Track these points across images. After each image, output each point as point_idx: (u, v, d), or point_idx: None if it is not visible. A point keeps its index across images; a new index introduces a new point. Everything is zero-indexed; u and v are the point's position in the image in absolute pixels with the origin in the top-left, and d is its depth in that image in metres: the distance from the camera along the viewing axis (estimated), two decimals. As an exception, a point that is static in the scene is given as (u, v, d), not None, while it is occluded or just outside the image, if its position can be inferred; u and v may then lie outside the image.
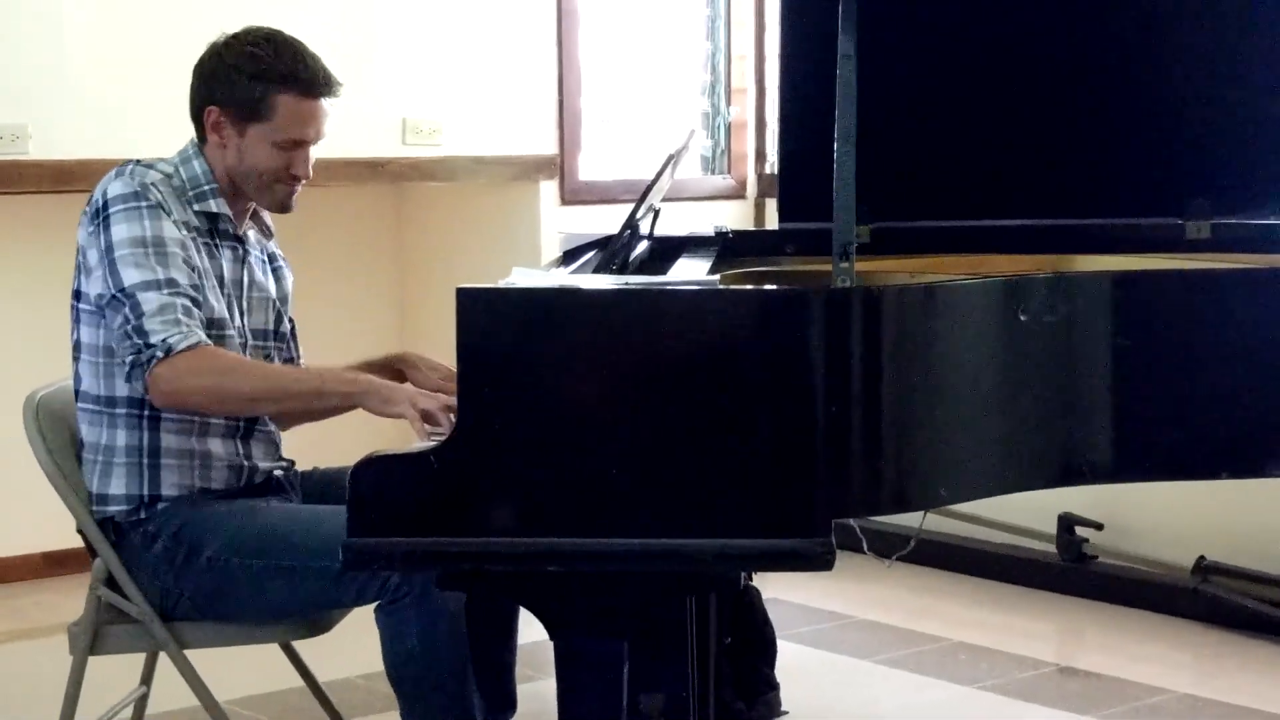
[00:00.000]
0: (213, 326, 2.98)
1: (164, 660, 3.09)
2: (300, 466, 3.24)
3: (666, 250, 3.51)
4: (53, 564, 5.22)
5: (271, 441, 3.16)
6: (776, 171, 3.48)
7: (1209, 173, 3.44)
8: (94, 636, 3.01)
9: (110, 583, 3.00)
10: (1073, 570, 4.96)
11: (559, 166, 5.67)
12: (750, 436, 2.47)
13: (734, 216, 5.98)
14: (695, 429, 2.47)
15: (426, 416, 2.79)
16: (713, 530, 2.46)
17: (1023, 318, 2.71)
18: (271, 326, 3.17)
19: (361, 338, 5.50)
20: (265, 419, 3.12)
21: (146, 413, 2.99)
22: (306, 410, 3.09)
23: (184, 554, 2.96)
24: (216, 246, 3.07)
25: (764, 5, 6.08)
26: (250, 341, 3.10)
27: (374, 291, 6.12)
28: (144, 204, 2.94)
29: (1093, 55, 3.37)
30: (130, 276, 2.89)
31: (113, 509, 3.00)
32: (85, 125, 4.76)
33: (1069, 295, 2.78)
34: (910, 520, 4.19)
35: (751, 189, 6.15)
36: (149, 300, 2.88)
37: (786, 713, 3.91)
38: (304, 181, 3.09)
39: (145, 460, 3.00)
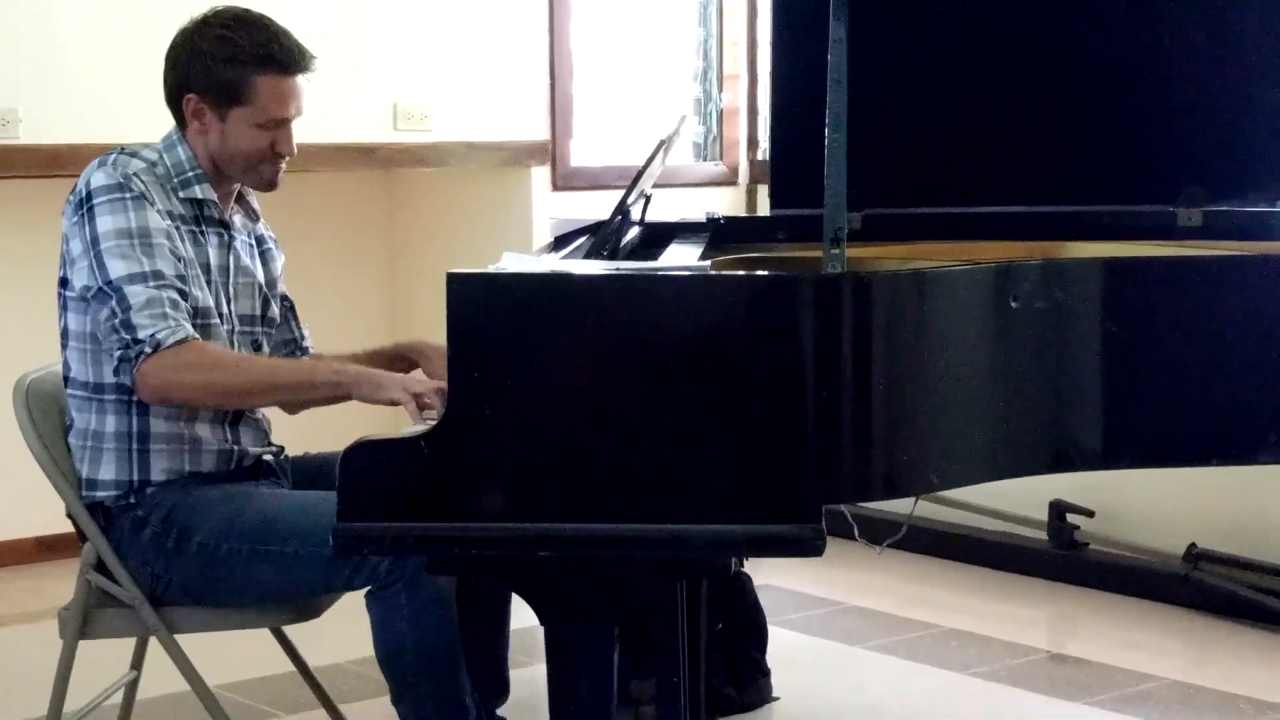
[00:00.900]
0: (198, 316, 2.98)
1: (154, 645, 3.09)
2: (291, 451, 3.24)
3: (658, 236, 3.51)
4: (43, 549, 5.22)
5: (260, 428, 3.15)
6: (768, 158, 3.47)
7: (1201, 160, 3.44)
8: (84, 621, 3.01)
9: (100, 567, 3.00)
10: (1064, 557, 4.96)
11: (550, 152, 5.66)
12: (741, 422, 2.47)
13: (726, 203, 5.98)
14: (686, 414, 2.47)
15: (419, 400, 2.80)
16: (704, 516, 2.46)
17: (1014, 304, 2.71)
18: (259, 311, 3.16)
19: (352, 323, 5.50)
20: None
21: (135, 398, 2.98)
22: (298, 401, 3.09)
23: (174, 539, 2.95)
24: (203, 233, 3.06)
25: (756, -9, 6.08)
26: (237, 328, 3.10)
27: (365, 277, 6.12)
28: (128, 195, 2.93)
29: (1085, 42, 3.37)
30: (117, 269, 2.88)
31: (102, 494, 3.00)
32: (76, 110, 4.75)
33: (1060, 282, 2.78)
34: (901, 507, 4.19)
35: (743, 175, 6.15)
36: (135, 294, 2.87)
37: (777, 698, 3.92)
38: (289, 158, 3.08)
39: (134, 446, 3.00)
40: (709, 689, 3.62)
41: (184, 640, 3.03)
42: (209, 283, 3.04)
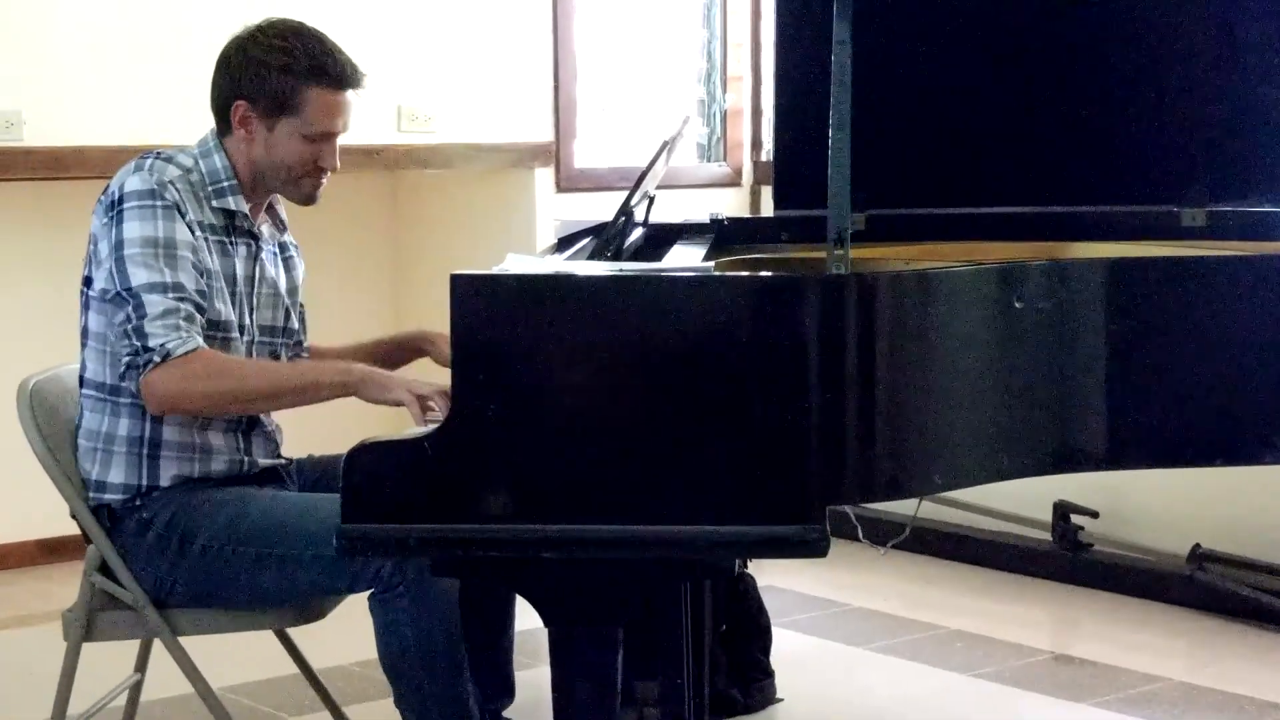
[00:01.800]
0: (219, 329, 2.98)
1: (158, 647, 3.09)
2: (296, 453, 3.24)
3: (661, 237, 3.51)
4: (47, 551, 5.22)
5: (273, 439, 3.16)
6: (772, 159, 3.47)
7: (1205, 160, 3.43)
8: (88, 623, 3.00)
9: (104, 569, 2.99)
10: (1068, 558, 4.96)
11: (554, 154, 5.66)
12: (745, 423, 2.47)
13: (729, 204, 5.98)
14: (690, 415, 2.47)
15: (422, 402, 2.80)
16: (707, 517, 2.46)
17: (1018, 305, 2.71)
18: (280, 323, 3.16)
19: (356, 324, 5.48)
20: (267, 417, 3.12)
21: None
22: (302, 403, 3.07)
23: (178, 541, 2.95)
24: (232, 244, 3.06)
25: (760, -7, 6.08)
26: (257, 338, 3.10)
27: (369, 278, 6.12)
28: (159, 203, 2.93)
29: (1089, 42, 3.36)
30: (138, 276, 2.88)
31: (109, 496, 3.00)
32: (79, 112, 4.75)
33: (1064, 282, 2.78)
34: (905, 508, 4.19)
35: (747, 176, 6.15)
36: (153, 303, 2.87)
37: (781, 700, 3.92)
38: (330, 173, 3.08)
39: (145, 451, 2.99)
40: (713, 690, 3.62)
41: (188, 642, 3.03)
42: (234, 294, 3.04)
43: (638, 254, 3.36)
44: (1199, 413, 2.90)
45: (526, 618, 2.83)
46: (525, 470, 2.47)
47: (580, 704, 2.58)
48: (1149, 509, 4.85)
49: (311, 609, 3.05)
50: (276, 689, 3.99)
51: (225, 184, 3.04)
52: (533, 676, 3.51)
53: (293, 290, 3.22)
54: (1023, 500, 4.95)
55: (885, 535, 4.66)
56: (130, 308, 2.88)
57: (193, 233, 2.96)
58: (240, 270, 3.07)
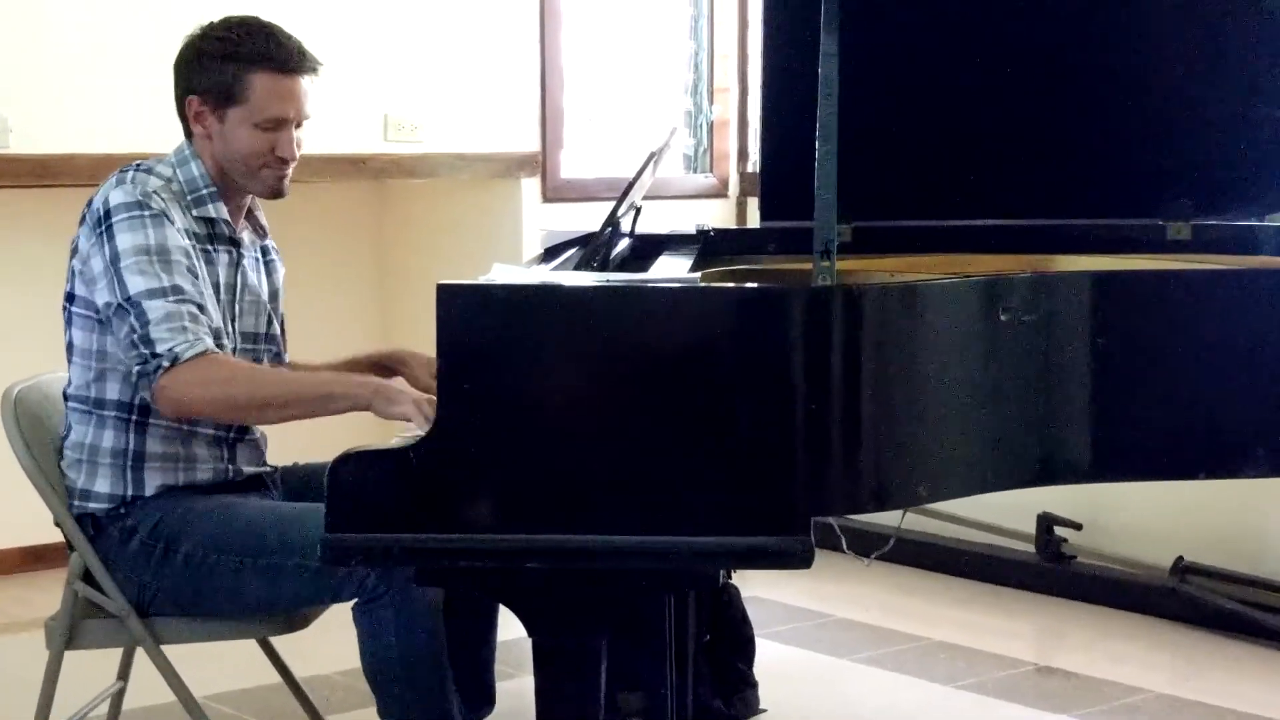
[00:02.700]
0: (212, 335, 2.97)
1: (141, 655, 3.09)
2: (281, 462, 3.24)
3: (648, 248, 3.51)
4: (31, 559, 5.21)
5: (258, 448, 3.15)
6: (758, 170, 3.48)
7: (1190, 174, 3.44)
8: (71, 631, 3.00)
9: (87, 578, 2.99)
10: (1051, 570, 4.96)
11: (541, 164, 5.67)
12: (730, 434, 2.47)
13: (716, 215, 5.98)
14: (675, 426, 2.47)
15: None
16: (692, 528, 2.46)
17: (1003, 317, 2.72)
18: (262, 330, 3.16)
19: (343, 334, 5.49)
20: (254, 428, 3.11)
21: (134, 417, 2.98)
22: (313, 414, 3.04)
23: (161, 550, 2.95)
24: (214, 251, 3.05)
25: (747, 4, 6.09)
26: (240, 345, 3.09)
27: (355, 288, 6.11)
28: (147, 213, 2.92)
29: (1075, 56, 3.37)
30: (136, 285, 2.87)
31: (94, 506, 2.99)
32: (67, 119, 4.75)
33: (1049, 295, 2.79)
34: (889, 519, 4.18)
35: (734, 188, 6.16)
36: (155, 308, 2.86)
37: (764, 710, 3.92)
38: (293, 164, 3.07)
39: (130, 463, 2.99)
40: (696, 701, 3.62)
41: (171, 651, 3.02)
42: (218, 302, 3.04)
43: (624, 265, 3.37)
44: (1183, 425, 2.91)
45: (509, 627, 2.83)
46: (510, 480, 2.47)
47: (563, 714, 2.58)
48: (1132, 521, 4.86)
49: (295, 618, 3.04)
50: (259, 698, 3.99)
51: (204, 191, 3.04)
52: (515, 686, 3.51)
53: (274, 295, 3.21)
54: (1006, 512, 4.96)
55: (870, 547, 4.65)
56: (133, 317, 2.86)
57: (183, 239, 2.95)
58: (223, 278, 3.06)
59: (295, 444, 3.42)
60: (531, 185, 5.67)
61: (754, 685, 3.92)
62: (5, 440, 3.04)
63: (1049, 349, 2.78)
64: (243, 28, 3.03)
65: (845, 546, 4.73)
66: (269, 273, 3.21)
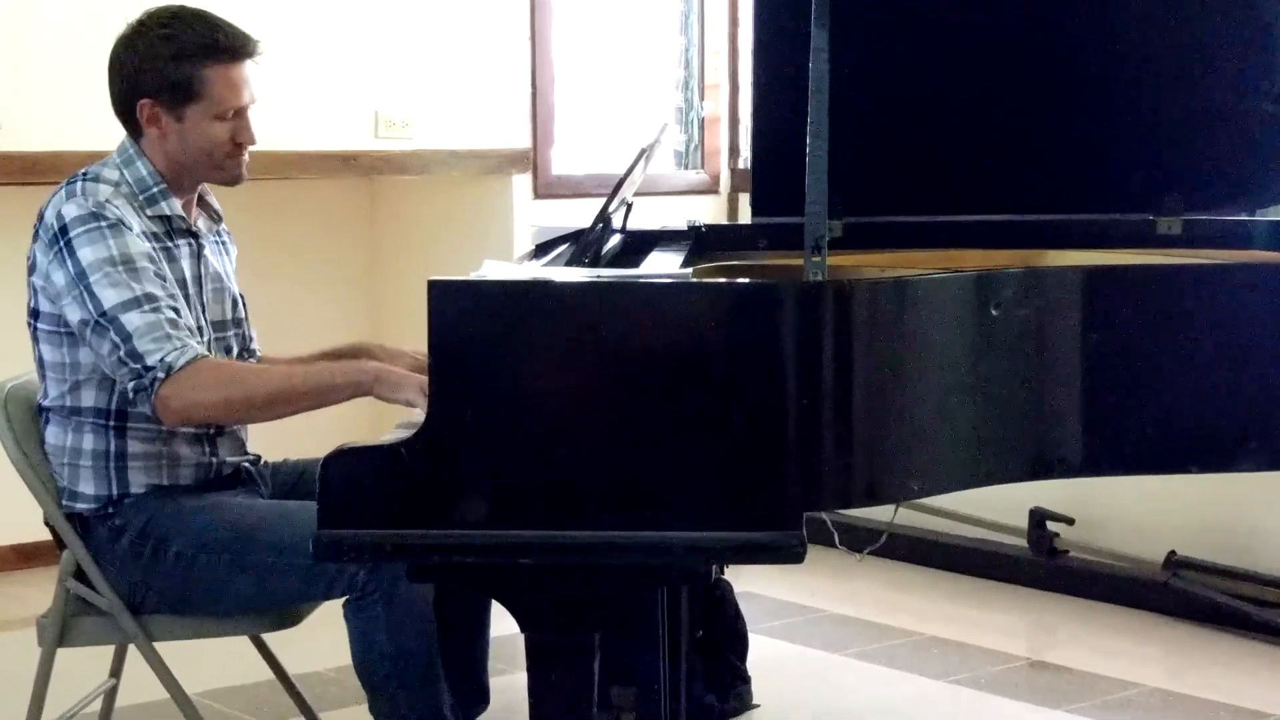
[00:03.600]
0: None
1: (133, 652, 3.08)
2: (271, 458, 3.23)
3: (639, 244, 3.51)
4: (22, 557, 5.20)
5: (238, 438, 3.14)
6: (749, 166, 3.48)
7: (1180, 169, 3.45)
8: (63, 629, 2.99)
9: (79, 575, 2.99)
10: (1044, 565, 4.97)
11: (532, 160, 5.66)
12: (722, 429, 2.47)
13: (707, 211, 5.98)
14: (667, 421, 2.47)
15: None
16: (684, 523, 2.46)
17: (994, 312, 2.72)
18: (229, 316, 3.14)
19: (333, 330, 5.48)
20: None
21: (113, 423, 2.97)
22: (318, 406, 2.95)
23: (151, 549, 2.94)
24: (175, 247, 3.03)
25: (737, 0, 6.08)
26: (212, 335, 3.08)
27: (346, 284, 6.11)
28: (104, 223, 2.89)
29: (1066, 51, 3.37)
30: (109, 298, 2.85)
31: (81, 506, 2.99)
32: (55, 118, 4.74)
33: (1040, 290, 2.79)
34: (882, 514, 4.20)
35: (725, 184, 6.16)
36: (132, 320, 2.84)
37: (758, 705, 3.92)
38: (250, 148, 3.05)
39: (112, 464, 2.98)
40: (689, 696, 3.61)
41: (163, 648, 3.02)
42: (185, 297, 3.02)
43: (615, 260, 3.37)
44: (1174, 420, 2.91)
45: (502, 623, 2.82)
46: (502, 476, 2.47)
47: (557, 710, 2.58)
48: (1125, 516, 4.86)
49: (287, 615, 3.04)
50: (252, 695, 3.98)
51: (155, 189, 3.01)
52: (508, 682, 3.51)
53: (231, 275, 3.19)
54: (999, 507, 4.96)
55: (862, 541, 4.67)
56: (113, 333, 2.84)
57: (144, 243, 2.93)
58: (188, 271, 3.04)
59: (286, 440, 3.41)
60: (523, 182, 5.67)
61: (747, 680, 3.93)
62: (-4, 438, 3.03)
63: (1040, 344, 2.78)
64: (179, 21, 2.98)
65: (838, 541, 4.74)
66: (226, 254, 3.19)
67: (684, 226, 3.69)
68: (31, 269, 2.97)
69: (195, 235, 3.08)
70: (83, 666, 3.29)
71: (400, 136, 5.39)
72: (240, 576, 2.91)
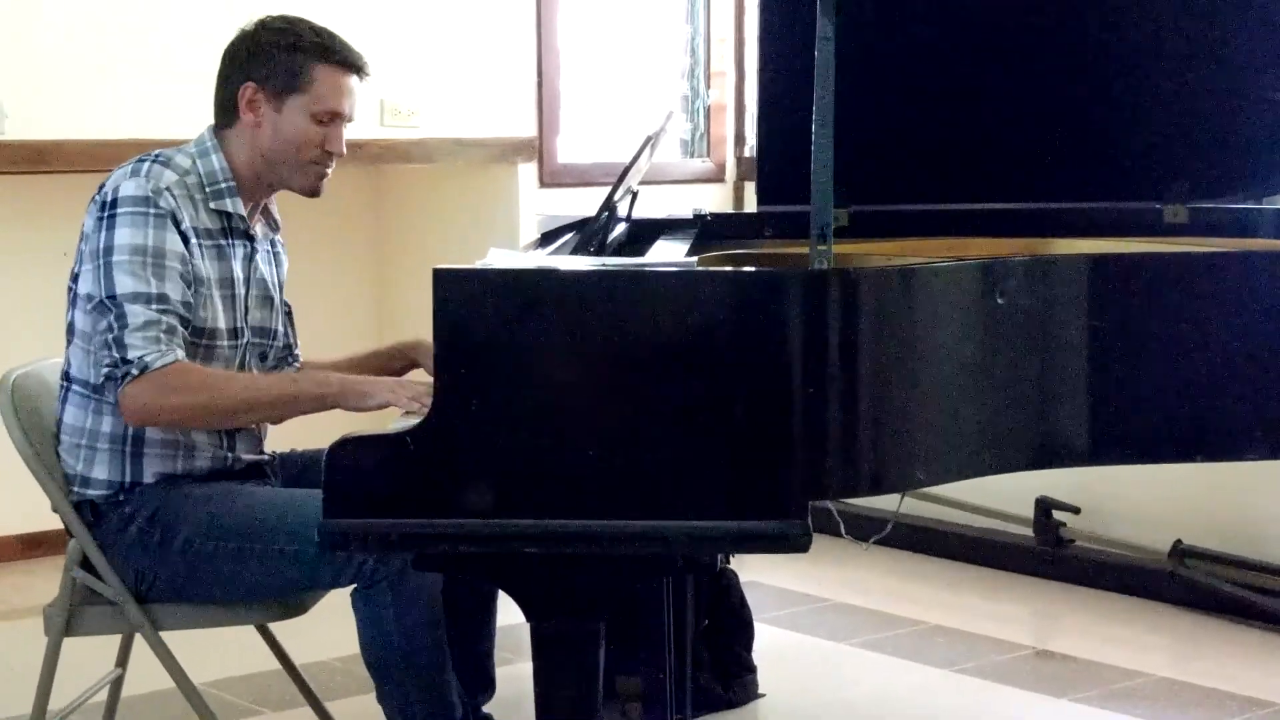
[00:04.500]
0: (206, 336, 2.97)
1: (140, 642, 3.09)
2: (278, 448, 3.23)
3: (645, 232, 3.51)
4: (29, 546, 5.20)
5: (254, 435, 3.15)
6: (755, 154, 3.47)
7: (1186, 157, 3.44)
8: (69, 618, 2.99)
9: (86, 564, 2.99)
10: (1050, 554, 4.97)
11: (537, 149, 5.66)
12: (728, 418, 2.47)
13: (713, 199, 5.98)
14: (672, 410, 2.46)
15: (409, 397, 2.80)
16: (689, 512, 2.46)
17: (1000, 301, 2.71)
18: (271, 324, 3.15)
19: (340, 319, 5.50)
20: None
21: None
22: (281, 418, 3.04)
23: (159, 536, 2.95)
24: (229, 246, 3.04)
25: (743, -12, 6.08)
26: (250, 340, 3.09)
27: (352, 273, 6.11)
28: (152, 211, 2.91)
29: (1072, 39, 3.37)
30: (123, 285, 2.87)
31: (93, 492, 2.99)
32: (62, 106, 4.74)
33: (1046, 278, 2.78)
34: (887, 503, 4.19)
35: (730, 172, 6.15)
36: (135, 313, 2.85)
37: (763, 695, 3.92)
38: (335, 161, 3.08)
39: (129, 448, 2.99)
40: (695, 685, 3.62)
41: (169, 637, 3.02)
42: (232, 297, 3.03)
43: (621, 249, 3.36)
44: (1180, 409, 2.91)
45: (508, 612, 2.83)
46: (507, 465, 2.47)
47: (562, 699, 2.58)
48: (1130, 505, 4.86)
49: (293, 604, 3.04)
50: (258, 684, 3.99)
51: (223, 185, 3.03)
52: (514, 671, 3.51)
53: (281, 286, 3.21)
54: (1004, 496, 4.96)
55: (867, 531, 4.66)
56: (112, 317, 2.86)
57: (186, 241, 2.94)
58: (238, 272, 3.06)
59: (293, 430, 3.41)
60: (528, 170, 5.66)
61: (752, 670, 3.93)
62: (3, 427, 3.03)
63: (1046, 332, 2.78)
64: (303, 23, 3.07)
65: (843, 531, 4.74)
66: (277, 265, 3.21)
67: (689, 215, 3.69)
68: (83, 235, 2.98)
69: (251, 239, 3.09)
70: (89, 656, 3.29)
71: (406, 125, 5.38)
72: (249, 564, 2.91)
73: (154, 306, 2.87)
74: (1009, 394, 2.74)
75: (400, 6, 5.35)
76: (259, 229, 3.14)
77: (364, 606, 2.87)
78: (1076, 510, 4.89)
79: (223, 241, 3.03)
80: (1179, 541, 4.69)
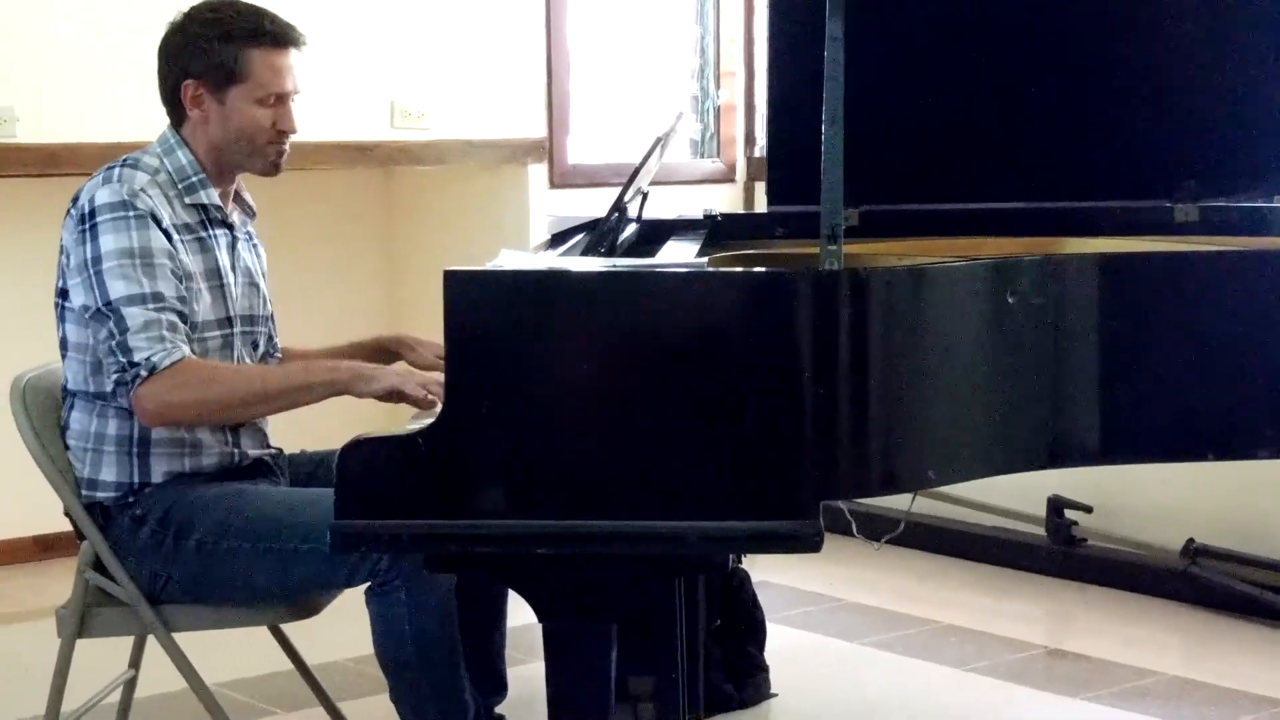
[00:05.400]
0: (195, 329, 2.97)
1: (153, 643, 3.09)
2: (288, 449, 3.24)
3: (655, 233, 3.51)
4: (42, 548, 5.22)
5: (260, 430, 3.15)
6: (765, 154, 3.48)
7: (1197, 156, 3.44)
8: (82, 619, 3.00)
9: (98, 566, 2.99)
10: (1062, 553, 4.96)
11: (548, 150, 5.66)
12: (739, 418, 2.47)
13: (723, 200, 5.98)
14: (684, 410, 2.47)
15: (403, 397, 2.81)
16: (701, 512, 2.46)
17: (1011, 300, 2.71)
18: (258, 311, 3.16)
19: (350, 321, 5.49)
20: None
21: None
22: (293, 405, 3.05)
23: (172, 537, 2.95)
24: (211, 237, 3.05)
25: (753, -12, 6.08)
26: (240, 329, 3.09)
27: (363, 275, 6.11)
28: (132, 213, 2.91)
29: (1082, 38, 3.37)
30: (116, 289, 2.87)
31: (102, 495, 3.00)
32: (73, 109, 4.75)
33: (1057, 277, 2.78)
34: (899, 503, 4.19)
35: (740, 172, 6.15)
36: (134, 315, 2.86)
37: (775, 695, 3.92)
38: (291, 137, 3.08)
39: (135, 449, 2.99)
40: (707, 685, 3.62)
41: (182, 638, 3.03)
42: (221, 287, 3.04)
43: (631, 250, 3.37)
44: (1192, 407, 2.90)
45: (519, 613, 2.83)
46: (519, 466, 2.47)
47: (574, 699, 2.58)
48: (1143, 504, 4.85)
49: (306, 604, 3.05)
50: (271, 685, 3.99)
51: (194, 179, 3.04)
52: (526, 672, 3.52)
53: (263, 275, 3.21)
54: (1017, 495, 4.95)
55: (879, 530, 4.66)
56: (111, 323, 2.87)
57: (169, 238, 2.94)
58: (224, 261, 3.06)
59: (303, 431, 3.42)
60: (538, 171, 5.67)
61: (765, 669, 3.93)
62: (15, 429, 3.04)
63: (1057, 331, 2.78)
64: (230, 7, 3.04)
65: (855, 530, 4.74)
66: (257, 255, 3.21)
67: (700, 215, 3.69)
68: (63, 249, 2.98)
69: (230, 226, 3.10)
70: (102, 658, 3.30)
71: (417, 127, 5.39)
72: (261, 564, 2.92)
73: (151, 306, 2.87)
74: (1020, 393, 2.74)
75: (410, 8, 5.36)
76: (236, 216, 3.14)
77: (377, 606, 2.88)
78: (1089, 509, 4.88)
79: (203, 234, 3.03)
80: (1191, 540, 4.68)
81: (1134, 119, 3.40)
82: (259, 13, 3.04)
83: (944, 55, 3.35)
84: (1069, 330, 2.79)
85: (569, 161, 5.73)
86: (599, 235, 3.16)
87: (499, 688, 3.32)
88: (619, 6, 5.99)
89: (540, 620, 2.58)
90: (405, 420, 2.77)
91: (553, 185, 5.67)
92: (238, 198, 3.17)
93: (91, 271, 2.89)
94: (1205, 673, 4.15)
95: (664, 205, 3.75)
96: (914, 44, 3.33)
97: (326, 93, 5.12)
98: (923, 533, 5.17)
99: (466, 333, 2.48)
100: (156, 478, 2.99)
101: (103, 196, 2.93)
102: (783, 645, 4.20)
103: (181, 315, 2.92)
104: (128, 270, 2.88)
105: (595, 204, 3.53)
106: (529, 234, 5.55)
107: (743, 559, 3.89)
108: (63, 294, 3.00)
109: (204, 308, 3.00)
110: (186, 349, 2.89)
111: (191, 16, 3.05)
